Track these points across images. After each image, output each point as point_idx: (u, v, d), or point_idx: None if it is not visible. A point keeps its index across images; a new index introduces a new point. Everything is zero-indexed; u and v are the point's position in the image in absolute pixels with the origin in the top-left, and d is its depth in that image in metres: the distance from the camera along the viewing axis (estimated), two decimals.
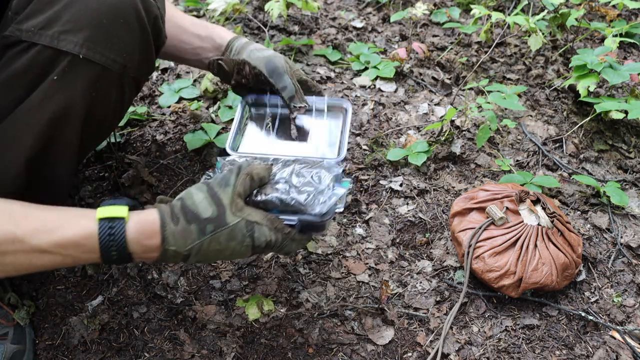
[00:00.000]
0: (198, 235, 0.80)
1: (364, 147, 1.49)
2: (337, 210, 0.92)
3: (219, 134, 1.44)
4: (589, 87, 1.49)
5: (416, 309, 1.16)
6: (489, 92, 1.54)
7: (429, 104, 1.63)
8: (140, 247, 0.79)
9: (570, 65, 1.60)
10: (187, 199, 0.82)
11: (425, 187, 1.39)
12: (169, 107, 1.58)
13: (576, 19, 1.77)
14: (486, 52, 1.81)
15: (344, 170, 0.99)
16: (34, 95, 0.84)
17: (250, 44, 1.14)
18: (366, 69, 1.75)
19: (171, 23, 1.12)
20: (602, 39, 1.92)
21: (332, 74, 1.71)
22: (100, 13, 0.83)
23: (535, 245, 1.14)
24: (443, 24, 1.97)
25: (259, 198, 0.87)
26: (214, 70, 1.17)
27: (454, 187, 1.40)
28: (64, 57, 0.83)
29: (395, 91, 1.68)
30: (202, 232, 0.80)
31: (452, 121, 1.56)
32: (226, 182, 0.83)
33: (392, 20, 1.90)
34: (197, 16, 1.98)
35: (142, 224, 0.79)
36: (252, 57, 1.11)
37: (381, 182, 1.41)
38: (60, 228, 0.77)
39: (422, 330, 1.12)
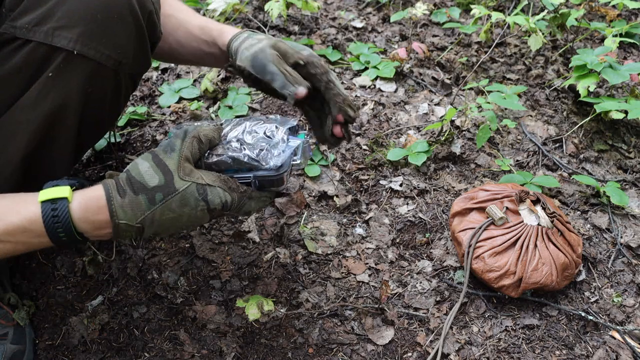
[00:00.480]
0: (147, 205, 0.78)
1: (364, 147, 1.49)
2: (294, 163, 0.90)
3: None
4: (589, 87, 1.49)
5: (416, 309, 1.16)
6: (489, 92, 1.54)
7: (429, 104, 1.63)
8: (89, 225, 0.78)
9: (570, 65, 1.60)
10: (133, 169, 0.80)
11: (425, 187, 1.39)
12: (169, 107, 1.58)
13: (576, 19, 1.77)
14: (486, 52, 1.81)
15: (298, 125, 0.97)
16: (30, 93, 0.84)
17: (243, 43, 1.05)
18: (366, 69, 1.75)
19: (181, 30, 1.11)
20: (602, 39, 1.92)
21: None
22: (94, 8, 0.83)
23: (535, 245, 1.14)
24: (443, 24, 1.97)
25: (210, 160, 0.86)
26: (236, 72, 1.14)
27: (454, 187, 1.40)
28: (59, 54, 0.83)
29: (395, 91, 1.68)
30: (151, 201, 0.78)
31: (452, 121, 1.56)
32: (172, 147, 0.82)
33: (392, 20, 1.90)
34: None
35: (87, 201, 0.78)
36: (242, 59, 1.02)
37: (381, 182, 1.41)
38: (6, 215, 0.77)
39: (422, 330, 1.12)
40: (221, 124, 0.90)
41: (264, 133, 0.89)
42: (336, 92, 0.97)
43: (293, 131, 0.93)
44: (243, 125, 0.90)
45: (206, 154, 0.86)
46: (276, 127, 0.91)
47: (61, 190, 0.78)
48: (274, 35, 1.85)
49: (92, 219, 0.78)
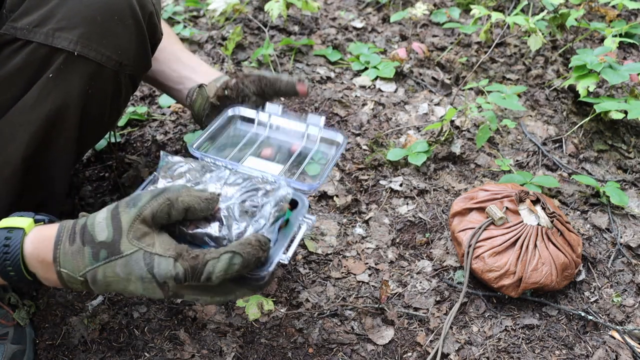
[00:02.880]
0: (90, 260, 0.69)
1: (364, 147, 1.49)
2: (282, 260, 0.74)
3: None
4: (588, 87, 1.49)
5: (416, 309, 1.16)
6: (489, 92, 1.54)
7: (428, 104, 1.63)
8: (39, 265, 0.71)
9: (570, 66, 1.60)
10: (90, 217, 0.72)
11: (425, 187, 1.39)
12: (169, 107, 1.59)
13: (576, 19, 1.77)
14: (486, 52, 1.81)
15: (297, 199, 0.81)
16: (30, 94, 0.84)
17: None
18: (366, 69, 1.75)
19: (166, 51, 1.12)
20: (602, 39, 1.92)
21: (332, 74, 1.71)
22: (94, 10, 0.83)
23: (535, 245, 1.14)
24: (443, 24, 1.97)
25: (188, 230, 0.73)
26: (191, 98, 1.11)
27: (453, 187, 1.40)
28: (59, 55, 0.83)
29: (395, 91, 1.68)
30: (95, 257, 0.69)
31: (452, 121, 1.56)
32: (134, 202, 0.71)
33: (392, 20, 1.90)
34: (197, 16, 1.98)
35: (40, 239, 0.71)
36: (245, 84, 1.07)
37: (381, 182, 1.41)
38: None
39: (422, 330, 1.12)
40: (217, 195, 0.75)
41: (254, 206, 0.76)
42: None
43: (280, 209, 0.77)
44: (239, 191, 0.77)
45: (187, 222, 0.74)
46: (269, 200, 0.76)
47: (22, 221, 0.72)
48: (273, 36, 1.85)
49: (41, 257, 0.71)
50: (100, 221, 0.70)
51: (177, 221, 0.73)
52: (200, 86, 1.11)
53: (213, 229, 0.73)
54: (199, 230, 0.73)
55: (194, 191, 0.73)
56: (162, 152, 0.85)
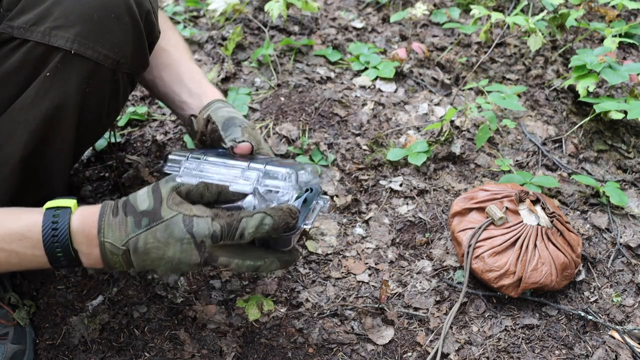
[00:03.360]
0: (133, 228, 0.77)
1: (364, 147, 1.49)
2: (305, 226, 0.85)
3: None
4: (588, 87, 1.49)
5: (416, 309, 1.16)
6: (489, 92, 1.54)
7: (428, 104, 1.64)
8: (84, 240, 0.77)
9: (569, 66, 1.60)
10: (133, 193, 0.80)
11: (425, 187, 1.39)
12: None
13: (576, 20, 1.77)
14: (486, 53, 1.81)
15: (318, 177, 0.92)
16: (28, 93, 0.84)
17: (225, 107, 1.07)
18: (366, 69, 1.75)
19: (172, 69, 1.11)
20: (602, 39, 1.92)
21: (332, 74, 1.72)
22: (91, 8, 0.83)
23: (535, 245, 1.14)
24: (443, 24, 1.97)
25: (222, 206, 0.82)
26: (188, 127, 1.12)
27: (453, 187, 1.40)
28: (56, 54, 0.82)
29: (395, 91, 1.68)
30: (137, 224, 0.77)
31: (452, 121, 1.56)
32: (173, 178, 0.81)
33: (392, 20, 1.90)
34: (197, 16, 1.98)
35: (85, 214, 0.78)
36: (216, 114, 1.04)
37: (381, 182, 1.41)
38: (6, 221, 0.76)
39: (422, 330, 1.12)
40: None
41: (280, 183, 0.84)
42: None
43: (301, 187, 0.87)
44: (260, 168, 0.84)
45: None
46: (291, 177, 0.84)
47: (67, 202, 0.78)
48: (273, 36, 1.85)
49: (87, 231, 0.77)
50: (141, 194, 0.79)
51: (209, 202, 0.81)
52: (194, 116, 1.10)
53: (245, 202, 0.82)
54: (232, 204, 0.82)
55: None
56: (169, 156, 0.89)
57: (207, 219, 0.76)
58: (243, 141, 0.94)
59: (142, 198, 0.78)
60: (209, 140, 1.05)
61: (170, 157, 0.88)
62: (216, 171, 0.84)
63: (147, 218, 0.77)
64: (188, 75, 1.14)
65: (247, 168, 0.84)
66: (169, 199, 0.77)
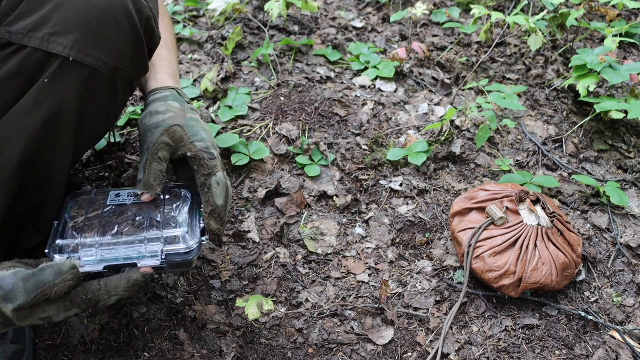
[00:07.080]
0: None
1: (364, 147, 1.49)
2: (204, 242, 0.94)
3: (218, 134, 1.44)
4: (588, 87, 1.49)
5: (416, 309, 1.16)
6: (489, 92, 1.54)
7: (429, 104, 1.63)
8: None
9: (570, 65, 1.60)
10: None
11: (425, 187, 1.39)
12: None
13: (576, 19, 1.77)
14: (486, 52, 1.81)
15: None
16: (26, 98, 0.84)
17: (154, 104, 1.04)
18: (366, 69, 1.75)
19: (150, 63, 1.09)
20: (602, 39, 1.92)
21: (332, 74, 1.71)
22: (90, 14, 0.82)
23: (535, 245, 1.14)
24: (443, 24, 1.97)
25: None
26: None
27: (454, 187, 1.40)
28: (55, 60, 0.82)
29: (395, 91, 1.68)
30: None
31: (452, 121, 1.56)
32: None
33: (392, 20, 1.90)
34: (197, 16, 1.98)
35: None
36: (143, 121, 1.03)
37: (381, 182, 1.41)
38: None
39: (422, 330, 1.12)
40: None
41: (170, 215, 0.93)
42: (208, 199, 0.95)
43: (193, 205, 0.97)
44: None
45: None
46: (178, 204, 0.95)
47: None
48: (273, 36, 1.85)
49: None
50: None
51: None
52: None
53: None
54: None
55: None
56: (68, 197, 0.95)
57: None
58: (143, 191, 0.94)
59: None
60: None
61: (58, 243, 0.90)
62: (118, 251, 0.89)
63: None
64: (160, 74, 1.13)
65: (146, 242, 0.90)
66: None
